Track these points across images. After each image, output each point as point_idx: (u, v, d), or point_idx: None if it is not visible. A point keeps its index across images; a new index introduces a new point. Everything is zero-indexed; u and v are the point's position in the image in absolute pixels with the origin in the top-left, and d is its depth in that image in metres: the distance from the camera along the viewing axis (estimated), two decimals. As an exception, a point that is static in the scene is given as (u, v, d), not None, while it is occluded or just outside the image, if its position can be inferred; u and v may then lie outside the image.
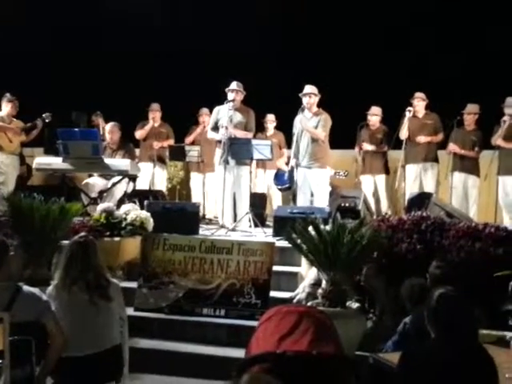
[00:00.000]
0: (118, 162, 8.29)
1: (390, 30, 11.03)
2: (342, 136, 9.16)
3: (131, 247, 6.95)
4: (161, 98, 10.20)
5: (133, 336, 5.35)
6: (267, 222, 8.89)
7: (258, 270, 6.29)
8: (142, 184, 9.45)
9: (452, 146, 8.86)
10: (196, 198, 10.09)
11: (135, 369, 4.96)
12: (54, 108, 9.71)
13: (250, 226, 7.94)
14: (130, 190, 8.46)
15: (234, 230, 7.94)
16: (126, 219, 7.04)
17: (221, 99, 8.56)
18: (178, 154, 9.87)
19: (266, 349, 2.99)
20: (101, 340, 4.14)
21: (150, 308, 6.36)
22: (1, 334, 3.37)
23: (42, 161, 8.45)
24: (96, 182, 8.68)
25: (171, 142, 10.05)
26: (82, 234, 4.55)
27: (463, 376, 2.99)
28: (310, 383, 2.77)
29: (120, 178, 8.28)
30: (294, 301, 5.86)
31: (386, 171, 9.50)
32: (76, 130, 8.40)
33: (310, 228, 5.63)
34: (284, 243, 6.45)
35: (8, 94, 9.34)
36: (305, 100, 8.31)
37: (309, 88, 8.35)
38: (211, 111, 9.02)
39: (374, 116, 9.54)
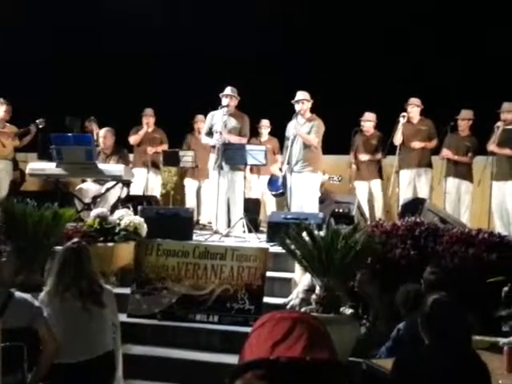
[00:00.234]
0: (112, 167, 8.27)
1: (384, 36, 11.07)
2: (337, 141, 9.17)
3: (125, 253, 6.93)
4: (154, 103, 10.19)
5: (126, 342, 5.33)
6: (261, 228, 8.88)
7: (252, 275, 6.28)
8: (136, 189, 9.43)
9: (445, 152, 8.88)
10: (190, 203, 10.07)
11: (128, 375, 4.94)
12: (47, 113, 9.70)
13: (244, 232, 7.93)
14: (123, 195, 8.43)
15: (227, 235, 7.93)
16: (119, 225, 7.02)
17: (215, 104, 8.55)
18: (172, 159, 9.85)
19: (260, 355, 2.98)
20: (93, 346, 4.12)
21: (143, 314, 6.33)
22: (-8, 340, 3.36)
23: (36, 166, 8.41)
24: (90, 187, 8.65)
25: (165, 147, 10.03)
26: (75, 239, 4.53)
27: (457, 382, 2.98)
28: (303, 389, 2.76)
29: (114, 183, 8.25)
30: (288, 307, 5.85)
31: (381, 177, 9.50)
32: (69, 135, 8.36)
33: (304, 234, 5.62)
34: (278, 249, 6.44)
35: (1, 99, 9.32)
36: (297, 106, 8.32)
37: (301, 94, 8.36)
38: (206, 117, 9.02)
39: (368, 122, 9.55)
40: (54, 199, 7.21)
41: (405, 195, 8.75)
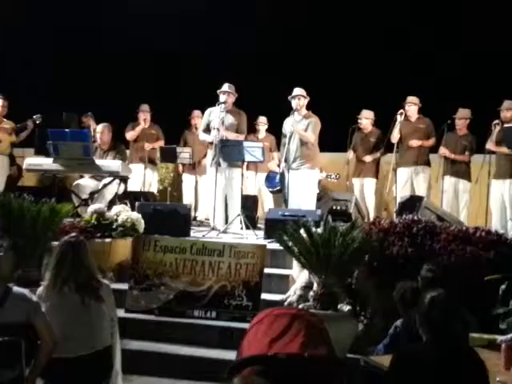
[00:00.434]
0: (109, 163, 8.26)
1: (382, 32, 11.05)
2: (333, 139, 9.18)
3: (122, 248, 6.94)
4: (150, 99, 10.17)
5: (123, 337, 5.33)
6: (258, 225, 8.88)
7: (250, 272, 6.28)
8: (133, 185, 9.42)
9: (443, 150, 8.88)
10: (187, 199, 10.07)
11: (126, 370, 4.93)
12: (44, 109, 9.69)
13: (242, 228, 7.94)
14: (121, 191, 8.43)
15: (225, 232, 7.93)
16: (116, 220, 7.03)
17: (212, 100, 8.55)
18: (169, 155, 9.86)
19: (258, 351, 2.98)
20: (92, 341, 4.12)
21: (140, 310, 6.34)
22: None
23: (33, 161, 8.41)
24: (87, 183, 8.65)
25: (161, 143, 10.04)
26: (73, 234, 4.52)
27: (454, 378, 2.99)
28: (301, 386, 2.77)
29: (111, 179, 8.25)
30: (286, 303, 5.86)
31: (376, 175, 9.50)
32: (67, 130, 8.35)
33: (302, 231, 5.63)
34: (275, 246, 6.45)
35: None
36: (294, 102, 8.33)
37: (298, 90, 8.38)
38: (203, 113, 9.01)
39: (365, 119, 9.55)
40: (52, 194, 7.22)
41: (402, 193, 8.75)
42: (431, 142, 9.06)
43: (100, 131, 8.99)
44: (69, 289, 4.11)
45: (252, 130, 9.97)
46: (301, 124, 8.32)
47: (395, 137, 8.96)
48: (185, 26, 11.63)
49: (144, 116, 9.88)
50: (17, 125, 9.52)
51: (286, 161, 8.29)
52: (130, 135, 9.89)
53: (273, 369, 2.85)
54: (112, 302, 4.39)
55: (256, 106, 9.61)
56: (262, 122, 10.26)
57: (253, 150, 8.11)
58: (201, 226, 9.03)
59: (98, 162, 8.11)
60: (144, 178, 9.75)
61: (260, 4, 11.38)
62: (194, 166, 9.93)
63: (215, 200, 8.19)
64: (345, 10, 11.37)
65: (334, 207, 8.00)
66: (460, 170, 8.90)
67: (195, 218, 9.57)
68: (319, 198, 8.42)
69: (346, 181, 9.54)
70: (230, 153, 8.17)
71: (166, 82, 11.72)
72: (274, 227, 6.64)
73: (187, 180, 10.27)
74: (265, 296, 6.26)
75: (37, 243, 6.33)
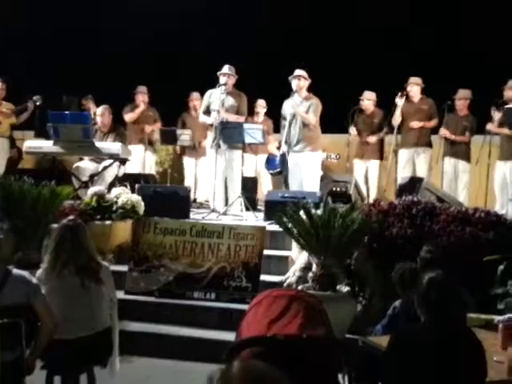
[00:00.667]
0: (109, 145, 8.24)
1: (384, 13, 10.96)
2: (334, 120, 9.14)
3: (122, 231, 6.95)
4: (147, 80, 10.12)
5: (123, 319, 5.37)
6: (258, 207, 8.89)
7: (249, 253, 6.31)
8: (132, 167, 9.40)
9: (443, 131, 8.85)
10: (188, 181, 10.07)
11: (126, 351, 4.99)
12: (44, 92, 9.65)
13: (242, 210, 7.94)
14: (121, 173, 8.43)
15: (225, 213, 7.94)
16: (116, 203, 7.03)
17: (212, 83, 8.51)
18: (169, 137, 9.84)
19: (257, 333, 3.01)
20: (92, 323, 4.14)
21: (140, 291, 6.37)
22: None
23: (33, 144, 8.39)
24: (87, 165, 8.64)
25: (159, 125, 10.03)
26: (71, 217, 4.53)
27: (452, 358, 3.01)
28: (300, 366, 2.79)
29: (111, 161, 8.24)
30: (285, 284, 5.88)
31: (381, 157, 9.43)
32: (66, 113, 8.33)
33: (301, 212, 5.64)
34: (275, 227, 6.46)
35: None
36: (294, 83, 8.29)
37: (299, 71, 8.33)
38: (202, 95, 8.97)
39: (367, 100, 9.47)
40: (52, 177, 7.21)
41: (403, 174, 8.73)
42: (433, 123, 9.01)
43: (100, 114, 8.97)
44: (68, 272, 4.12)
45: (250, 113, 9.92)
46: (302, 106, 8.29)
47: (397, 120, 8.92)
48: (184, 9, 11.54)
49: (142, 98, 9.84)
50: (16, 107, 9.49)
51: (286, 143, 8.27)
52: (129, 117, 9.84)
53: (272, 350, 2.88)
54: (111, 284, 4.40)
55: (255, 88, 9.56)
56: (261, 105, 10.21)
57: (253, 131, 8.09)
58: (200, 207, 9.04)
59: (98, 144, 8.10)
60: (143, 160, 9.74)
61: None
62: (194, 148, 9.91)
63: (215, 182, 8.18)
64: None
65: (334, 189, 7.98)
66: (460, 150, 8.87)
67: (195, 200, 9.57)
68: (320, 180, 8.41)
69: (347, 162, 9.51)
70: (230, 135, 8.14)
71: (163, 63, 11.64)
72: (273, 209, 6.65)
73: (188, 163, 10.25)
74: (264, 277, 6.28)
75: (37, 225, 6.36)
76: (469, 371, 3.03)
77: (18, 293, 3.76)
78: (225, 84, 8.33)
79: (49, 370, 4.14)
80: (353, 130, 9.33)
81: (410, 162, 8.98)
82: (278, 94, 8.69)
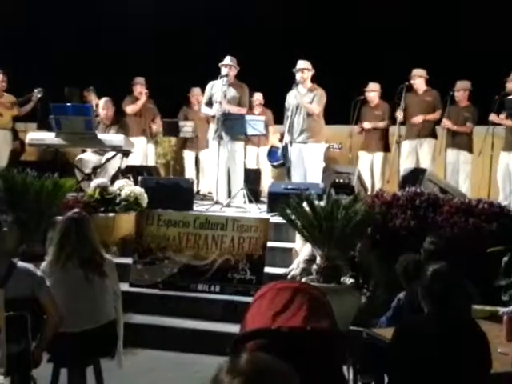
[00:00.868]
0: (112, 137, 8.23)
1: (388, 3, 10.91)
2: (338, 111, 9.11)
3: (125, 223, 6.96)
4: (147, 72, 10.10)
5: (127, 311, 5.38)
6: (261, 198, 8.88)
7: (253, 245, 6.30)
8: (134, 159, 9.38)
9: (445, 122, 8.83)
10: (189, 174, 10.06)
11: (130, 344, 4.99)
12: (46, 84, 9.64)
13: (245, 202, 7.94)
14: (123, 165, 8.42)
15: (228, 205, 7.94)
16: (120, 195, 7.03)
17: (212, 75, 8.49)
18: (172, 129, 9.83)
19: (261, 325, 3.02)
20: (97, 315, 4.15)
21: (144, 284, 6.38)
22: (-4, 310, 3.38)
23: (35, 136, 8.39)
24: (90, 157, 8.63)
25: (158, 117, 10.03)
26: (76, 210, 4.54)
27: (456, 350, 3.01)
28: (304, 358, 2.80)
29: (114, 153, 8.24)
30: (289, 277, 5.89)
31: (386, 148, 9.38)
32: (69, 105, 8.32)
33: (305, 204, 5.63)
34: (278, 219, 6.45)
35: None
36: (298, 75, 8.26)
37: (302, 63, 8.30)
38: (203, 90, 8.95)
39: (372, 92, 9.41)
40: (54, 169, 7.22)
41: (406, 165, 8.70)
42: (436, 114, 8.96)
43: (103, 106, 8.94)
44: (72, 264, 4.13)
45: (249, 106, 9.88)
46: (306, 97, 8.27)
47: (401, 113, 8.88)
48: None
49: (140, 89, 9.80)
50: (18, 99, 9.50)
51: (289, 132, 8.26)
52: (131, 109, 9.80)
53: (276, 342, 2.89)
54: (115, 277, 4.41)
55: (255, 79, 9.51)
56: (258, 99, 10.15)
57: (255, 123, 8.10)
58: (204, 199, 9.04)
59: (101, 136, 8.09)
60: (146, 152, 9.73)
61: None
62: (197, 138, 9.89)
63: (218, 174, 8.18)
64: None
65: (337, 180, 7.97)
66: (461, 141, 8.85)
67: (198, 192, 9.57)
68: (323, 171, 8.40)
69: (349, 153, 9.48)
70: (232, 126, 8.14)
71: (163, 55, 11.60)
72: (276, 201, 6.64)
73: (188, 156, 10.24)
74: (268, 269, 6.29)
75: (41, 218, 6.37)
76: (473, 363, 3.03)
77: (23, 285, 3.77)
78: (226, 75, 8.32)
79: (55, 362, 4.15)
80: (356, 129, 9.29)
81: (414, 153, 8.96)
82: (279, 84, 8.65)
